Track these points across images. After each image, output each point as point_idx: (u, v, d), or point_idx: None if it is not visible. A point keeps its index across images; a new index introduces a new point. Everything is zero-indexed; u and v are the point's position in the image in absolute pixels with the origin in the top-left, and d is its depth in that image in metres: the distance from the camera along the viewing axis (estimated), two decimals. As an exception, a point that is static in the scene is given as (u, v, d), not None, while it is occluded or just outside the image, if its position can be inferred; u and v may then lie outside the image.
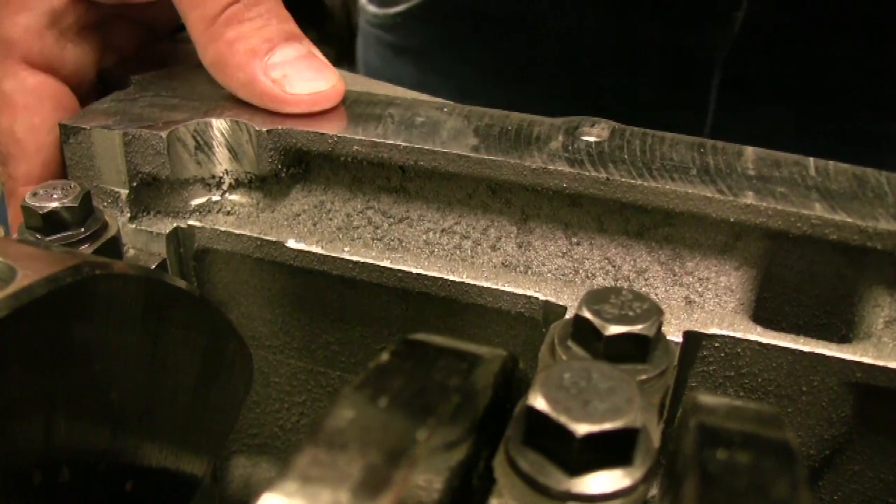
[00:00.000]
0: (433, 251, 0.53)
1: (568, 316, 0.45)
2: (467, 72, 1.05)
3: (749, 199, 0.45)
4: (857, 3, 0.85)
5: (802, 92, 0.91)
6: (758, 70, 0.91)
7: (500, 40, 1.00)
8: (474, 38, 1.02)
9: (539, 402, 0.30)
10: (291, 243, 0.52)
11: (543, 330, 0.48)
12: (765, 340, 0.44)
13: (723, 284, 0.48)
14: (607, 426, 0.29)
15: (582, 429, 0.29)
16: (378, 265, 0.50)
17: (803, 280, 0.47)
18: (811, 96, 0.91)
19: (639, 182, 0.47)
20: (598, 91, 0.98)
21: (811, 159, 0.49)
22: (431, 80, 1.07)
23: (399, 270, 0.50)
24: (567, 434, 0.29)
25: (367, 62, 1.18)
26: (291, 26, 0.57)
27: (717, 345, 0.45)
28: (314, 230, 0.55)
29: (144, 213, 0.55)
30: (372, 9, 1.11)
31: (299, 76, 0.55)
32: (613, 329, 0.36)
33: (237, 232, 0.53)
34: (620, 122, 0.53)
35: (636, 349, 0.37)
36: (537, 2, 0.95)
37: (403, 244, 0.53)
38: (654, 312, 0.37)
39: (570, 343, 0.38)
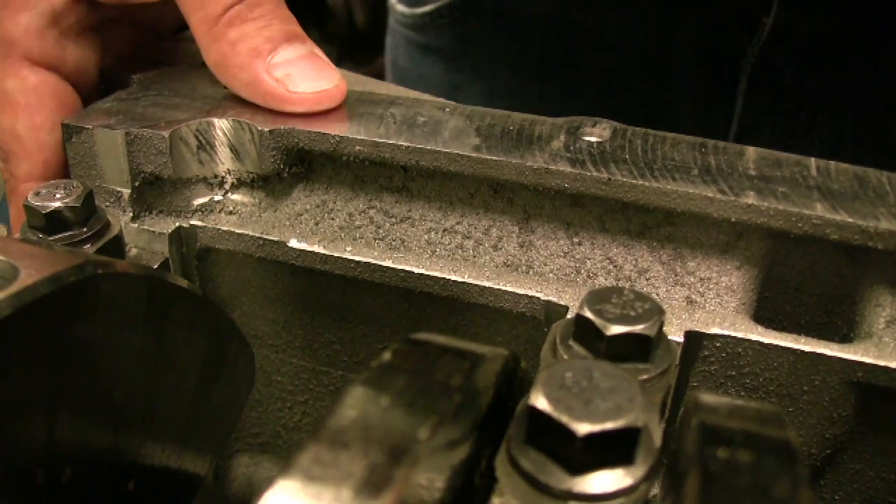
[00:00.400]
0: (435, 251, 0.53)
1: (569, 315, 0.45)
2: (495, 72, 1.05)
3: (750, 198, 0.45)
4: (885, 11, 0.84)
5: (830, 100, 0.91)
6: (784, 77, 0.90)
7: (527, 40, 1.00)
8: (502, 39, 1.02)
9: (541, 401, 0.30)
10: (293, 243, 0.52)
11: (545, 329, 0.48)
12: (766, 340, 0.44)
13: (724, 284, 0.48)
14: (609, 425, 0.29)
15: (583, 428, 0.29)
16: (380, 265, 0.50)
17: (804, 280, 0.47)
18: (839, 105, 0.91)
19: (640, 182, 0.47)
20: (626, 93, 0.97)
21: (812, 159, 0.49)
22: (459, 79, 1.07)
23: (401, 270, 0.50)
24: (569, 433, 0.29)
25: (396, 61, 1.19)
26: (293, 26, 0.57)
27: (718, 344, 0.45)
28: (316, 230, 0.55)
29: (147, 213, 0.55)
30: (401, 8, 1.12)
31: (302, 75, 0.55)
32: (615, 329, 0.36)
33: (239, 231, 0.53)
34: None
35: (638, 349, 0.37)
36: (567, 2, 0.95)
37: (405, 244, 0.53)
38: (656, 312, 0.37)
39: (571, 342, 0.38)
